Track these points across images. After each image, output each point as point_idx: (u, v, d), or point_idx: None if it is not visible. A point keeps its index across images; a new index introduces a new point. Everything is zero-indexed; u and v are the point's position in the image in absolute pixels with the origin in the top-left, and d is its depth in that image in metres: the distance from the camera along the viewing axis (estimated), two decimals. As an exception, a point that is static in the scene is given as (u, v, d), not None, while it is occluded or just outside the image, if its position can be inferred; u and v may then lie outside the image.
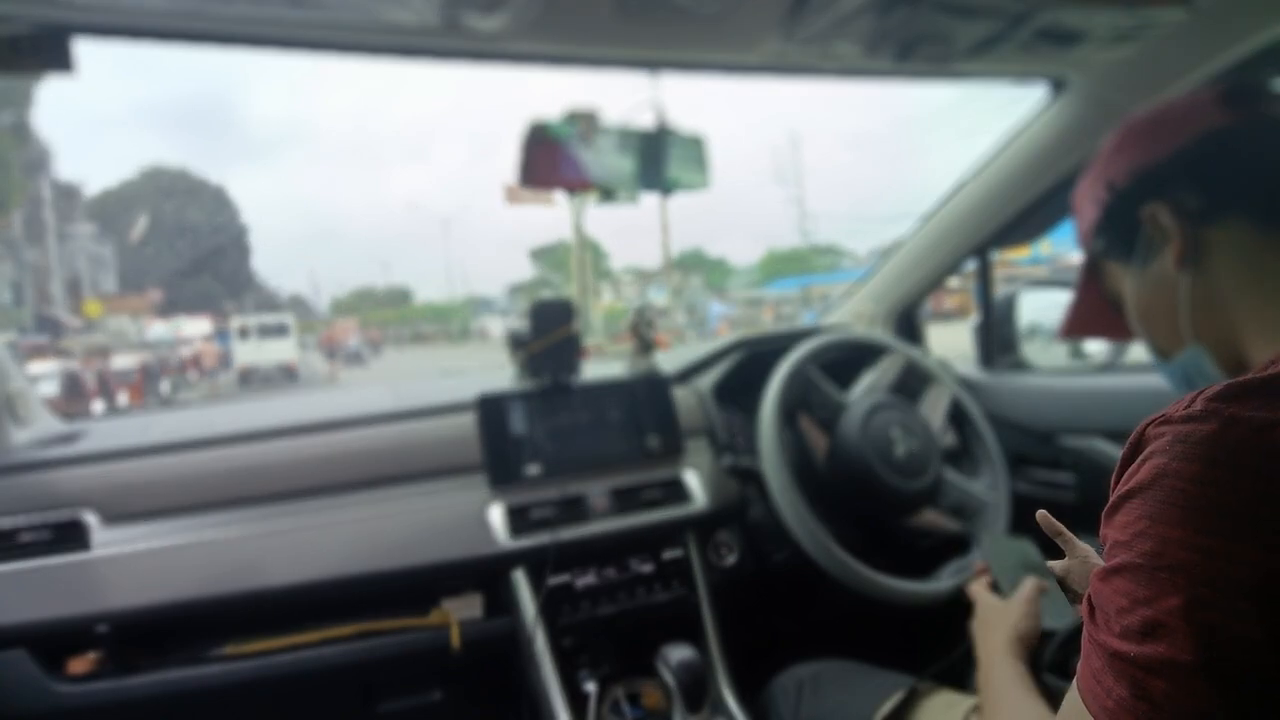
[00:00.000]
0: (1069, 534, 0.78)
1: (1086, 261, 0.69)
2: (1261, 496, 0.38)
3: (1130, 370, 1.33)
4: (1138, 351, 0.72)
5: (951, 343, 1.79)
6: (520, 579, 1.11)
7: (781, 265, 32.75)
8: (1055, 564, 0.80)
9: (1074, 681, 0.44)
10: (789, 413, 1.22)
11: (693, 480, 1.25)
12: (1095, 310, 0.71)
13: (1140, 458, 0.43)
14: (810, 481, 1.18)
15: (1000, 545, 0.90)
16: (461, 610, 1.11)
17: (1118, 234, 0.63)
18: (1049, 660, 0.77)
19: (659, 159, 1.02)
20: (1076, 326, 0.74)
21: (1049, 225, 1.42)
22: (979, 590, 0.81)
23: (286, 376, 17.79)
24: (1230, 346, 0.56)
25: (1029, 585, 0.77)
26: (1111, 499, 0.45)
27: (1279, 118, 0.57)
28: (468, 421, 1.19)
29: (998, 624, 0.73)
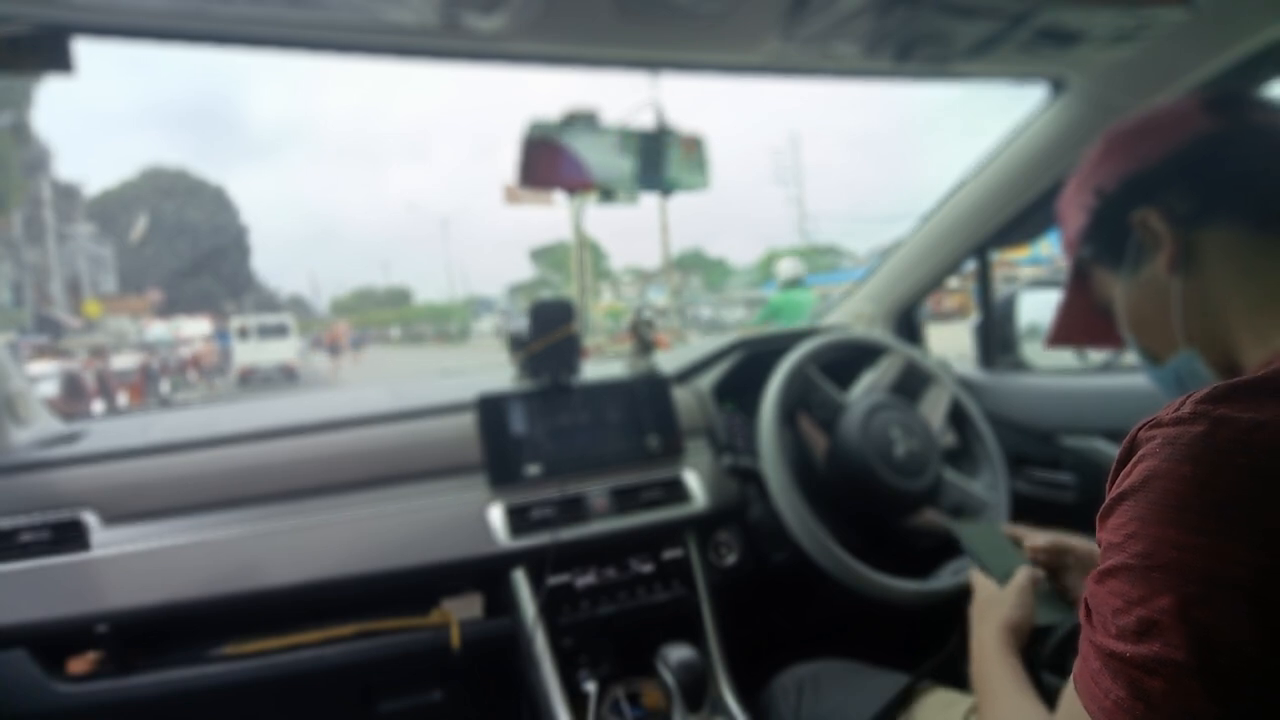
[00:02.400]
0: (1064, 538, 0.78)
1: (1073, 269, 0.69)
2: (1251, 495, 0.38)
3: (1130, 370, 1.33)
4: (1136, 353, 0.72)
5: (951, 343, 1.79)
6: (520, 579, 1.11)
7: (781, 265, 32.70)
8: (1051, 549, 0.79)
9: (1070, 681, 0.45)
10: (789, 413, 1.22)
11: (693, 480, 1.25)
12: (1083, 317, 0.71)
13: (1133, 461, 0.44)
14: (810, 481, 1.18)
15: (982, 532, 0.88)
16: (461, 610, 1.11)
17: (1107, 240, 0.63)
18: (1046, 658, 0.76)
19: (659, 159, 1.02)
20: (1064, 334, 0.74)
21: (1049, 225, 1.42)
22: (979, 577, 0.81)
23: (286, 377, 17.78)
24: (1223, 349, 0.56)
25: (1022, 574, 0.76)
26: (1105, 502, 0.45)
27: (1264, 123, 0.58)
28: (468, 421, 1.19)
29: (989, 612, 0.72)
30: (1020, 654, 0.69)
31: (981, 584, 0.79)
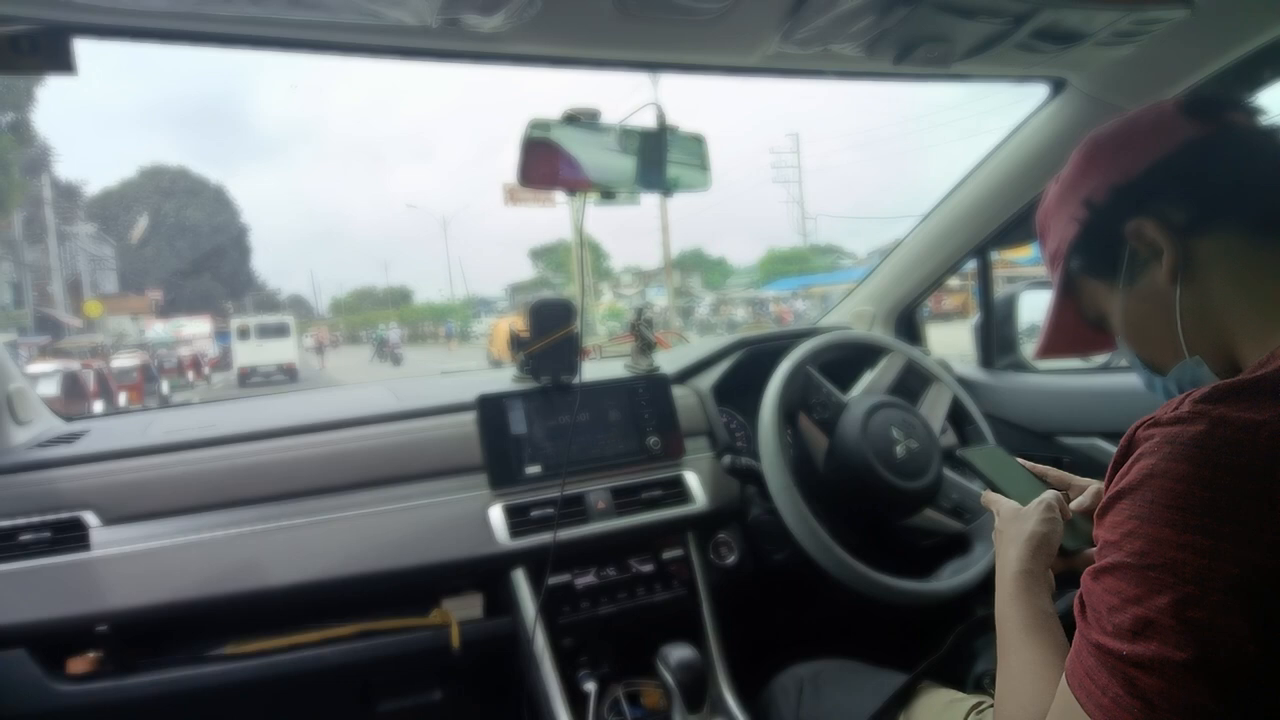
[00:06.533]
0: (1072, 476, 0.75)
1: (1061, 281, 0.67)
2: (1247, 495, 0.38)
3: (1129, 370, 1.33)
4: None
5: (951, 343, 1.79)
6: (520, 579, 1.11)
7: (781, 265, 32.74)
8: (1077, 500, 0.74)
9: (1062, 678, 0.45)
10: (789, 413, 1.22)
11: (693, 480, 1.25)
12: (1071, 329, 0.69)
13: (1131, 459, 0.44)
14: (810, 481, 1.18)
15: (994, 455, 0.83)
16: (461, 610, 1.11)
17: (1099, 251, 0.62)
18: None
19: (659, 159, 1.02)
20: (1053, 346, 0.72)
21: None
22: (995, 496, 0.73)
23: (287, 376, 17.75)
24: (1226, 356, 0.55)
25: (1048, 494, 0.69)
26: (1103, 500, 0.45)
27: (1246, 126, 0.57)
28: (468, 421, 1.19)
29: (1011, 529, 0.66)
30: (1046, 574, 0.62)
31: (998, 501, 0.71)
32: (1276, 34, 0.96)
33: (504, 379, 1.29)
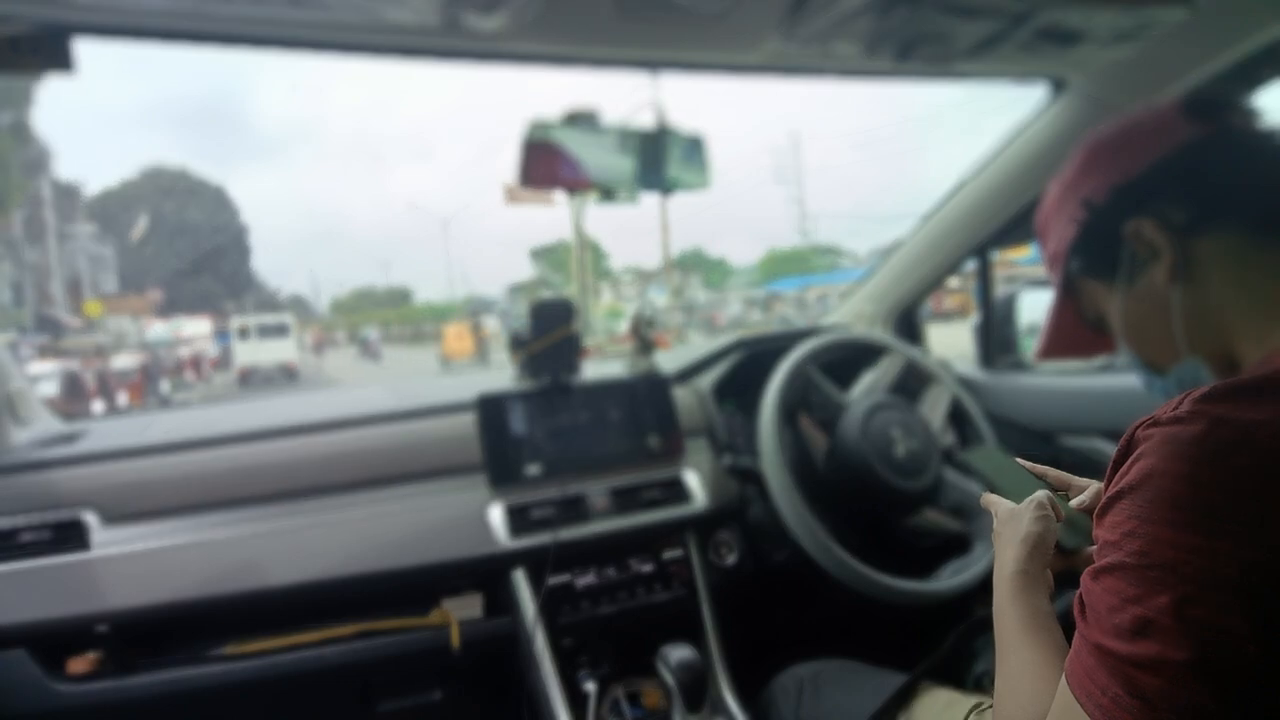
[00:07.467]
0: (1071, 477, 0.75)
1: (1062, 282, 0.68)
2: (1247, 495, 0.38)
3: (1129, 370, 1.33)
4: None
5: (951, 343, 1.79)
6: (520, 579, 1.11)
7: (781, 265, 32.78)
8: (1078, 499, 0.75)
9: (1062, 678, 0.45)
10: (789, 413, 1.22)
11: (693, 480, 1.25)
12: (1072, 330, 0.70)
13: (1130, 459, 0.44)
14: (810, 481, 1.18)
15: (993, 456, 0.84)
16: (461, 610, 1.11)
17: (1098, 252, 0.62)
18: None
19: (659, 159, 1.02)
20: (1054, 347, 0.73)
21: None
22: (994, 498, 0.72)
23: (287, 376, 17.76)
24: (1225, 356, 0.56)
25: (1040, 493, 0.67)
26: (1102, 500, 0.45)
27: (1245, 128, 0.58)
28: (468, 421, 1.19)
29: (1006, 531, 0.65)
30: (1043, 574, 0.61)
31: (997, 503, 0.70)
32: (1276, 34, 0.96)
33: (504, 379, 1.29)
